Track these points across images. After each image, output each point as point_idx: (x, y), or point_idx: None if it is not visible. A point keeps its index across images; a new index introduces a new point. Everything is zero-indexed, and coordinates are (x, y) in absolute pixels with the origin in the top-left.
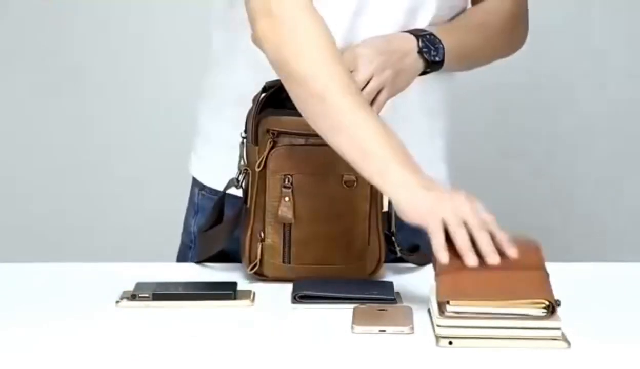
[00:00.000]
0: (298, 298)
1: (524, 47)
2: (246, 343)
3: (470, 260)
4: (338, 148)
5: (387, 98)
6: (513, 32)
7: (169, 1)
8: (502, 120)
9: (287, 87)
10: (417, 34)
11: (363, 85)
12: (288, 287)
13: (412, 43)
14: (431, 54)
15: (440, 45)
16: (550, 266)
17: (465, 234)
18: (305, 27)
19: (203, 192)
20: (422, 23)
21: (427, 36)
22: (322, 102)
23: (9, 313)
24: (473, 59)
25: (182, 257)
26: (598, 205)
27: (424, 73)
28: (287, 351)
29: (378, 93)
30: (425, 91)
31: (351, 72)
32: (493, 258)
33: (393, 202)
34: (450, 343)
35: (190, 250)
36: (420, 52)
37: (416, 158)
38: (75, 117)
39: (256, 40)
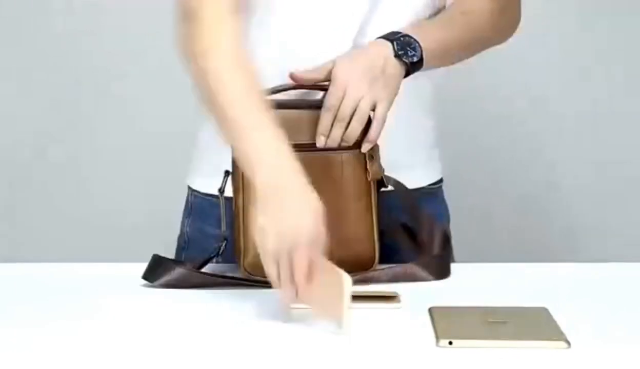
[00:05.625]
0: None
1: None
2: (246, 342)
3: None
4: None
5: (387, 110)
6: (496, 20)
7: (169, 9)
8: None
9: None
10: (392, 38)
11: (354, 106)
12: None
13: (388, 48)
14: (408, 55)
15: (417, 45)
16: (550, 267)
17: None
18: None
19: (195, 193)
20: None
21: (402, 38)
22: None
23: (9, 313)
24: (455, 53)
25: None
26: (600, 204)
27: (407, 74)
28: (287, 351)
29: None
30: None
31: (342, 96)
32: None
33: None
34: (450, 343)
35: (183, 251)
36: (397, 56)
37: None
38: (75, 117)
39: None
